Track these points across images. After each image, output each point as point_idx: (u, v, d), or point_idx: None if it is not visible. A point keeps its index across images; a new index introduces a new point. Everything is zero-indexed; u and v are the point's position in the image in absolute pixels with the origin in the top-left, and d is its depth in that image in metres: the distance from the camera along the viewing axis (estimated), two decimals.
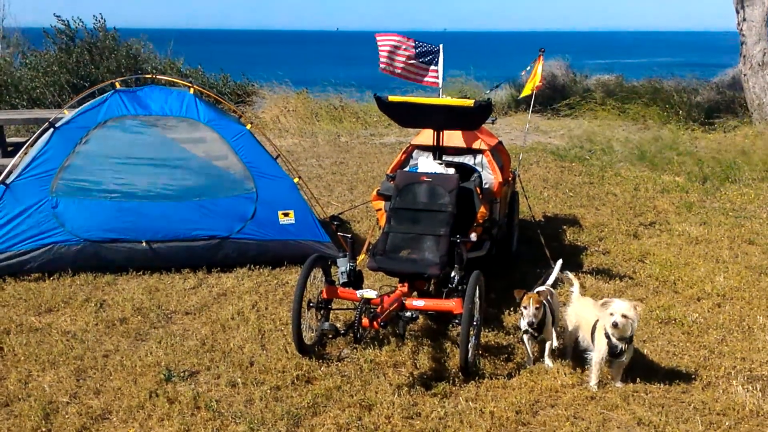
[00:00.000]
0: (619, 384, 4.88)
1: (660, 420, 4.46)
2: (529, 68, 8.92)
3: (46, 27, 18.01)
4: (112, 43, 17.94)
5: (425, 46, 8.29)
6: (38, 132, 7.40)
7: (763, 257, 7.68)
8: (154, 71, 17.22)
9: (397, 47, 8.24)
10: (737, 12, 15.61)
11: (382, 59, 8.23)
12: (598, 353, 4.83)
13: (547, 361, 5.19)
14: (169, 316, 6.05)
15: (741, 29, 15.56)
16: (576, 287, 5.40)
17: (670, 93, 18.55)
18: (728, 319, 6.03)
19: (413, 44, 8.27)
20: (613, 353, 4.76)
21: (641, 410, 4.58)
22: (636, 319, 4.69)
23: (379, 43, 8.25)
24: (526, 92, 8.37)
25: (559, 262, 5.74)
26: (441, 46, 8.30)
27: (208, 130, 7.22)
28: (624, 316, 4.64)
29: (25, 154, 7.30)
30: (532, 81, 8.21)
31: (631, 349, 4.81)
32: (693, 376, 5.05)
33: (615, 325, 4.64)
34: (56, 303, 6.23)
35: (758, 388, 4.85)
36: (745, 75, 15.76)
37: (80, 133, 7.01)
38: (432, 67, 8.26)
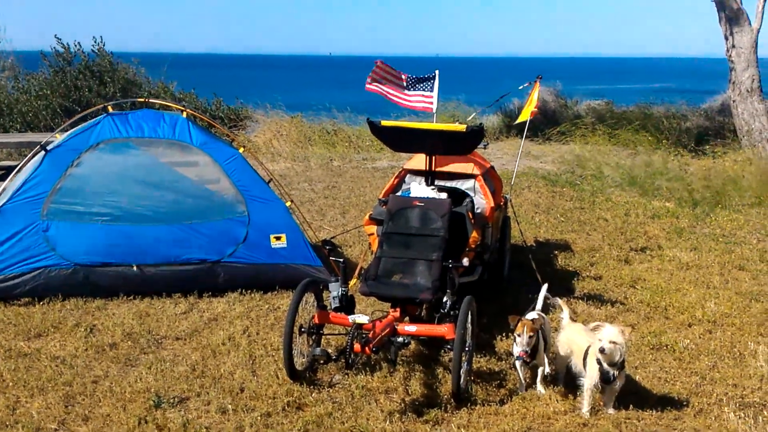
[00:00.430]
0: (611, 410, 4.87)
1: None
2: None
3: (44, 50, 17.99)
4: (108, 66, 17.97)
5: (417, 78, 8.37)
6: (29, 155, 7.40)
7: (753, 283, 7.70)
8: (148, 95, 17.26)
9: (390, 76, 8.34)
10: (726, 39, 15.80)
11: (370, 79, 8.31)
12: (590, 379, 4.82)
13: (540, 387, 5.18)
14: (160, 341, 6.01)
15: (730, 56, 15.73)
16: (566, 313, 5.40)
17: (659, 119, 18.72)
18: (719, 346, 6.03)
19: (405, 77, 8.37)
20: (605, 380, 4.74)
21: None
22: (624, 345, 4.69)
23: (376, 68, 8.33)
24: (522, 118, 8.44)
25: (545, 286, 5.74)
26: (437, 72, 8.37)
27: (200, 154, 7.23)
28: (612, 342, 4.64)
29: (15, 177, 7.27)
30: (529, 107, 8.28)
31: (623, 375, 4.80)
32: (685, 403, 5.04)
33: (602, 351, 4.64)
34: (46, 328, 6.18)
35: (750, 415, 4.85)
36: (734, 101, 15.91)
37: (72, 156, 7.00)
38: (427, 93, 8.31)
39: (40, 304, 6.66)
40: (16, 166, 7.62)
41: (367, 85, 8.40)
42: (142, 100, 9.08)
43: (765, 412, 4.90)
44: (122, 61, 18.59)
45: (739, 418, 4.81)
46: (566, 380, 5.22)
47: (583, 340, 4.97)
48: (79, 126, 7.37)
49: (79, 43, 18.02)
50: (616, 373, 4.72)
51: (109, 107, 7.40)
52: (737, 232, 9.83)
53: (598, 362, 4.73)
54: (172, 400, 4.94)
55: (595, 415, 4.84)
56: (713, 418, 4.83)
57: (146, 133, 7.19)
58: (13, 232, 6.75)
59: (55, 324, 6.25)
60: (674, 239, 9.41)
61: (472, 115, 11.86)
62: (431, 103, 8.34)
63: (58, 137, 7.42)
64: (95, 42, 18.03)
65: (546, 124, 19.22)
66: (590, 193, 12.19)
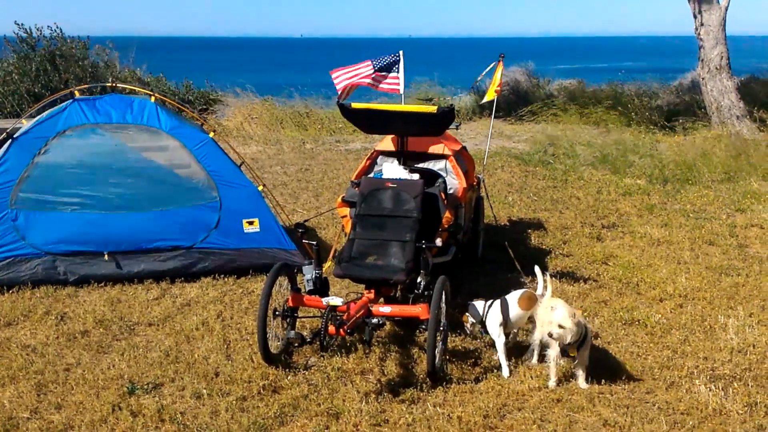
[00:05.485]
0: (584, 385, 4.93)
1: (625, 421, 4.51)
2: (486, 71, 9.02)
3: (7, 35, 17.68)
4: (73, 51, 17.69)
5: (384, 60, 8.32)
6: None
7: (723, 258, 7.81)
8: (115, 80, 17.01)
9: (353, 74, 8.29)
10: (695, 17, 15.92)
11: (339, 90, 8.25)
12: (553, 351, 4.94)
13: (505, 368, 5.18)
14: (132, 327, 5.95)
15: (699, 34, 15.86)
16: (548, 290, 5.42)
17: (630, 97, 18.84)
18: (690, 320, 6.12)
19: (370, 64, 8.32)
20: (563, 355, 4.85)
21: (607, 411, 4.63)
22: (573, 328, 4.76)
23: (334, 80, 8.26)
24: (489, 97, 8.45)
25: (536, 267, 5.72)
26: (401, 52, 8.33)
27: (170, 139, 7.13)
28: (560, 326, 4.74)
29: None
30: (493, 86, 8.31)
31: (584, 351, 4.89)
32: (657, 377, 5.11)
33: (550, 335, 4.79)
34: (15, 316, 6.10)
35: (720, 387, 4.93)
36: (703, 78, 16.06)
37: (39, 144, 6.88)
38: (393, 74, 8.27)
39: (9, 293, 6.57)
40: None
41: (337, 85, 8.35)
42: (110, 84, 8.93)
43: (735, 384, 4.98)
44: (78, 46, 18.27)
45: (710, 390, 4.89)
46: (540, 357, 5.27)
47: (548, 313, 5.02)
48: (46, 112, 7.23)
49: (40, 28, 17.73)
50: (573, 352, 4.81)
51: (76, 92, 7.27)
52: (707, 207, 9.95)
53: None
54: (146, 387, 4.91)
55: (568, 390, 4.89)
56: (684, 391, 4.91)
57: (114, 119, 7.08)
58: None
59: (25, 312, 6.17)
60: (645, 216, 9.50)
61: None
62: (398, 84, 8.32)
63: (25, 123, 7.29)
64: (52, 30, 17.75)
65: (518, 104, 19.28)
66: (562, 171, 12.26)
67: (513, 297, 5.40)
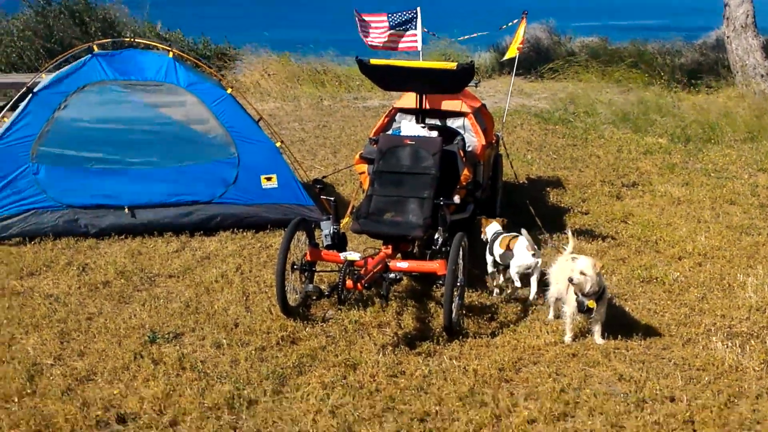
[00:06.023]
0: (600, 340, 4.95)
1: (641, 376, 4.53)
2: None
3: None
4: (87, 6, 17.62)
5: (400, 16, 8.24)
6: (16, 96, 7.29)
7: (743, 217, 7.74)
8: (133, 35, 16.93)
9: (372, 25, 8.25)
10: None
11: (365, 38, 8.28)
12: (570, 307, 4.94)
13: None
14: (153, 279, 6.03)
15: None
16: (570, 246, 5.42)
17: (653, 55, 18.48)
18: (709, 278, 6.09)
19: (386, 18, 8.26)
20: (580, 309, 4.83)
21: (622, 366, 4.65)
22: (594, 277, 4.77)
23: (358, 23, 8.28)
24: (510, 54, 8.36)
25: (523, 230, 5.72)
26: (418, 9, 8.23)
27: (188, 95, 7.12)
28: (582, 273, 4.74)
29: (3, 119, 7.17)
30: (515, 43, 8.21)
31: (600, 306, 4.88)
32: (673, 333, 5.12)
33: (570, 281, 4.77)
34: (38, 267, 6.19)
35: (737, 344, 4.93)
36: (728, 37, 15.71)
37: (58, 99, 6.90)
38: (410, 32, 8.21)
39: (31, 244, 6.66)
40: (2, 107, 7.53)
41: (369, 43, 8.38)
42: (129, 39, 8.90)
43: (752, 342, 4.98)
44: (100, 2, 18.22)
45: (727, 347, 4.89)
46: (556, 312, 5.29)
47: (567, 269, 5.02)
48: (65, 68, 7.23)
49: None
50: (591, 304, 4.79)
51: (95, 47, 7.25)
52: (729, 167, 9.84)
53: (575, 292, 4.83)
54: (166, 336, 4.99)
55: (584, 345, 4.91)
56: (701, 348, 4.91)
57: (133, 75, 7.08)
58: (3, 174, 6.72)
59: (47, 263, 6.26)
60: (666, 175, 9.42)
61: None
62: (416, 41, 8.25)
63: (44, 77, 7.30)
64: None
65: (539, 62, 18.98)
66: (583, 130, 12.12)
67: (503, 235, 5.79)
